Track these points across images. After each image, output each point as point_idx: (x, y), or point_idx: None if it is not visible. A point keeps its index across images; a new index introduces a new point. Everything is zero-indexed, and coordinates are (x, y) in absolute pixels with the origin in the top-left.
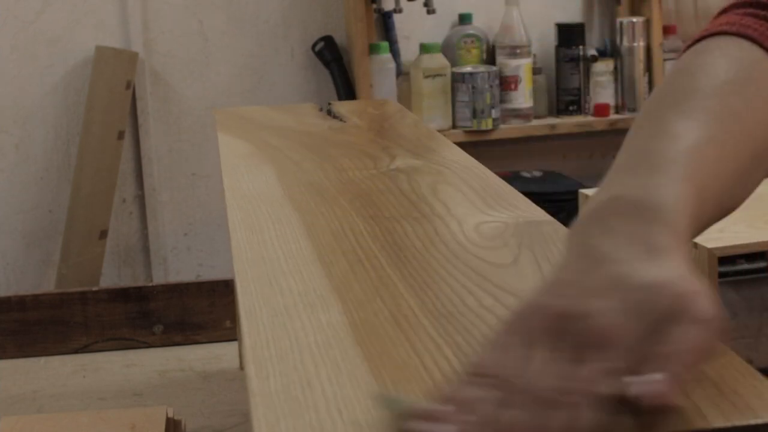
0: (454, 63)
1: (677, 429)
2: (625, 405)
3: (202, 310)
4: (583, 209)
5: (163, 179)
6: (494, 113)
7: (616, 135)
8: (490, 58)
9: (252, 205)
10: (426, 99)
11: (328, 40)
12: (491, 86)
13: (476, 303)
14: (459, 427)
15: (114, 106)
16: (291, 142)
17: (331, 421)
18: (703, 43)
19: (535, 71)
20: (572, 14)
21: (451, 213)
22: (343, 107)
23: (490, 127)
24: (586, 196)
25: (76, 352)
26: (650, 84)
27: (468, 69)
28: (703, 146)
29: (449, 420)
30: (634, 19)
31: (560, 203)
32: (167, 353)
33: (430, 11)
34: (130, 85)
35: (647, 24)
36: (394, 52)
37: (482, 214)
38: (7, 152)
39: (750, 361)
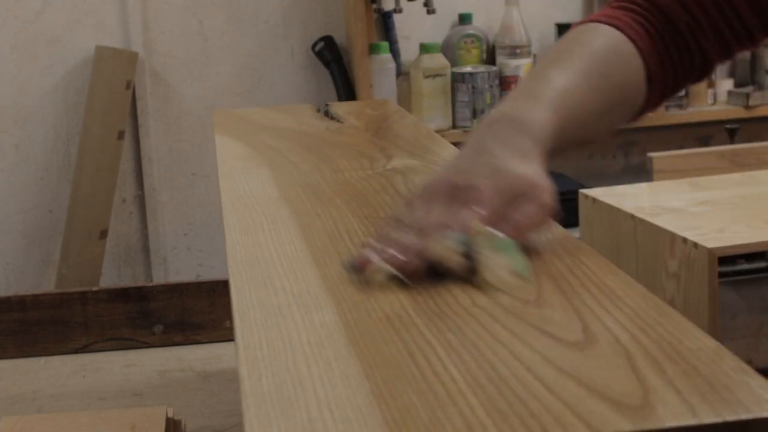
0: (454, 63)
1: (668, 425)
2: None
3: (202, 310)
4: (482, 120)
5: (163, 179)
6: None
7: (616, 135)
8: (490, 58)
9: (247, 207)
10: (426, 99)
11: (328, 40)
12: (491, 86)
13: (470, 302)
14: (381, 255)
15: (114, 106)
16: (288, 143)
17: (322, 421)
18: (583, 25)
19: None
20: (572, 14)
21: None
22: (341, 108)
23: None
24: (586, 196)
25: (76, 352)
26: None
27: (468, 69)
28: (569, 90)
29: (374, 248)
30: None
31: (560, 203)
32: (167, 353)
33: (430, 11)
34: (130, 85)
35: None
36: (394, 52)
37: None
38: (7, 152)
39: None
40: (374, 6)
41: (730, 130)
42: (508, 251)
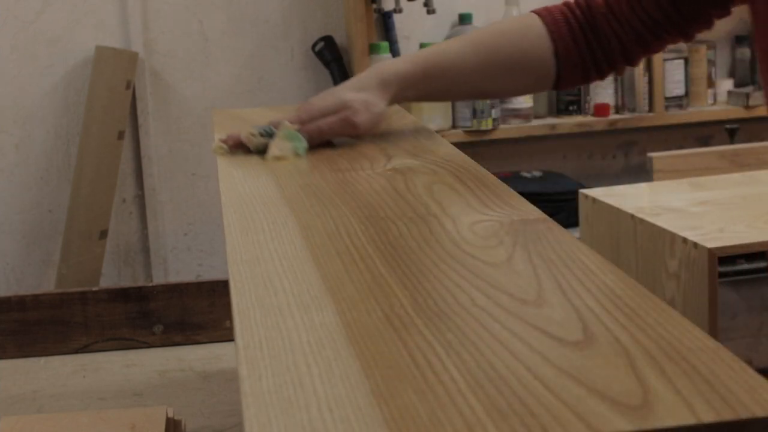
0: None
1: (667, 425)
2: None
3: (202, 310)
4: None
5: (163, 179)
6: (494, 113)
7: (616, 135)
8: None
9: (247, 206)
10: None
11: (328, 40)
12: None
13: (469, 301)
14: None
15: (114, 106)
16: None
17: (322, 420)
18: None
19: None
20: None
21: (446, 212)
22: None
23: (490, 127)
24: (586, 196)
25: (76, 352)
26: (650, 84)
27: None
28: (445, 51)
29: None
30: None
31: (560, 203)
32: (167, 353)
33: (430, 11)
34: (130, 85)
35: None
36: (394, 52)
37: (477, 213)
38: (7, 152)
39: (750, 362)
40: (374, 6)
41: (730, 130)
42: (294, 139)
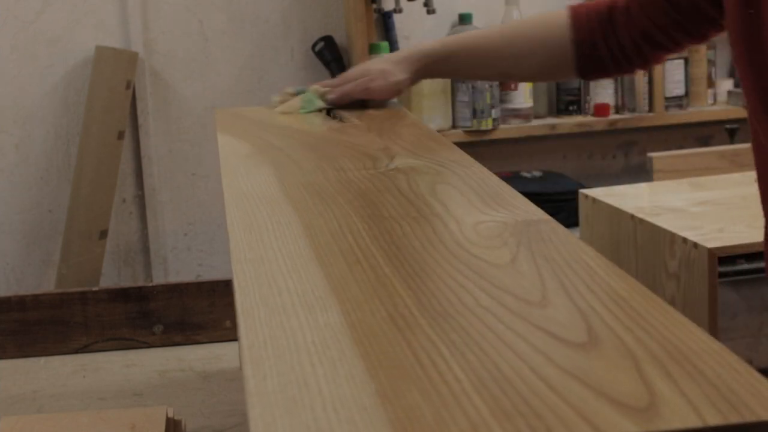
0: None
1: (674, 427)
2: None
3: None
4: None
5: (163, 179)
6: (494, 113)
7: (616, 135)
8: None
9: (251, 205)
10: (426, 99)
11: (328, 40)
12: (491, 86)
13: (474, 302)
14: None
15: (114, 106)
16: (290, 141)
17: (327, 421)
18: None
19: None
20: None
21: (450, 213)
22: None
23: (490, 127)
24: (586, 196)
25: (76, 352)
26: (650, 84)
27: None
28: (472, 35)
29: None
30: None
31: (560, 203)
32: (167, 353)
33: (430, 11)
34: (130, 85)
35: None
36: None
37: (481, 214)
38: (7, 152)
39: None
40: (374, 6)
41: (730, 130)
42: (309, 99)
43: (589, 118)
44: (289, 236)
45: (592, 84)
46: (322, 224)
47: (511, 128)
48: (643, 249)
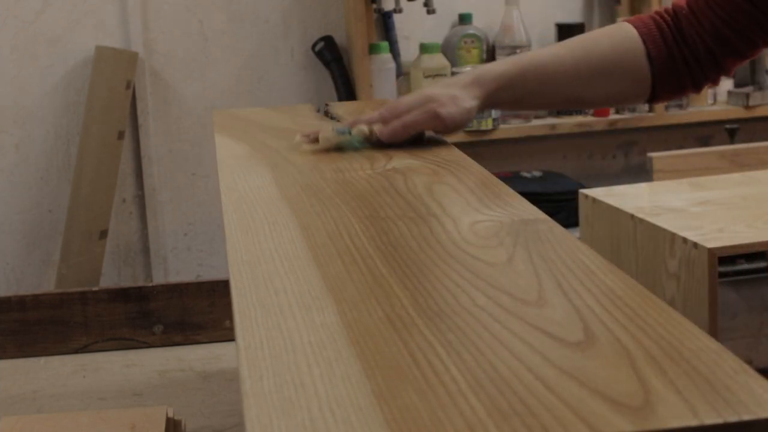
0: (454, 63)
1: (669, 426)
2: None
3: (202, 310)
4: None
5: (163, 179)
6: (494, 113)
7: (616, 135)
8: (490, 58)
9: (248, 206)
10: None
11: (328, 40)
12: None
13: (470, 302)
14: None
15: (114, 106)
16: (287, 143)
17: (323, 421)
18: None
19: None
20: (572, 14)
21: (447, 212)
22: (340, 108)
23: (490, 127)
24: (586, 196)
25: (76, 352)
26: None
27: (468, 69)
28: (540, 54)
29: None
30: None
31: (560, 203)
32: (167, 353)
33: (430, 11)
34: (130, 85)
35: None
36: (394, 52)
37: (478, 213)
38: (7, 152)
39: (750, 361)
40: (374, 6)
41: (730, 130)
42: (353, 141)
43: (589, 118)
44: (286, 237)
45: None
46: (319, 225)
47: (511, 128)
48: (643, 249)
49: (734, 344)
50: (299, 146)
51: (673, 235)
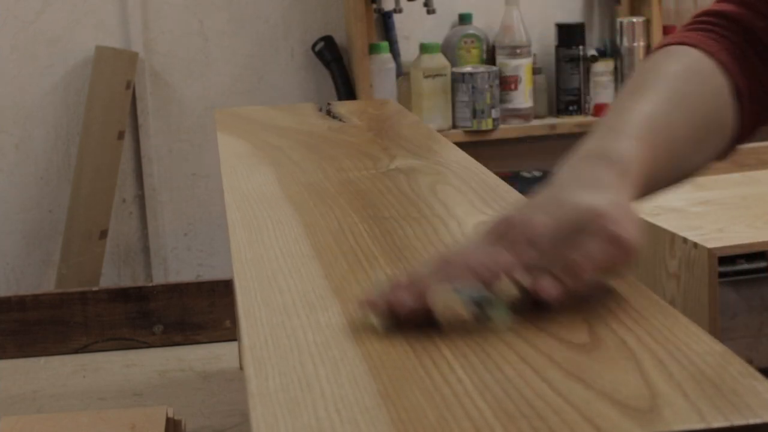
0: (454, 63)
1: (676, 429)
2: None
3: (202, 310)
4: (564, 162)
5: (163, 179)
6: (494, 113)
7: None
8: (490, 58)
9: (251, 206)
10: (426, 99)
11: (328, 40)
12: (491, 86)
13: None
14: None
15: (114, 106)
16: (290, 142)
17: (329, 421)
18: (656, 52)
19: (535, 71)
20: (572, 14)
21: (450, 213)
22: (342, 107)
23: (490, 127)
24: None
25: (76, 352)
26: None
27: (468, 69)
28: (653, 115)
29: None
30: (634, 19)
31: None
32: (167, 353)
33: (430, 11)
34: (130, 85)
35: (647, 24)
36: (394, 52)
37: (481, 214)
38: (7, 152)
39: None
40: (374, 6)
41: None
42: (501, 314)
43: (589, 118)
44: (289, 236)
45: (592, 84)
46: (322, 224)
47: (511, 128)
48: (643, 249)
49: (734, 344)
50: (366, 318)
51: (673, 235)
